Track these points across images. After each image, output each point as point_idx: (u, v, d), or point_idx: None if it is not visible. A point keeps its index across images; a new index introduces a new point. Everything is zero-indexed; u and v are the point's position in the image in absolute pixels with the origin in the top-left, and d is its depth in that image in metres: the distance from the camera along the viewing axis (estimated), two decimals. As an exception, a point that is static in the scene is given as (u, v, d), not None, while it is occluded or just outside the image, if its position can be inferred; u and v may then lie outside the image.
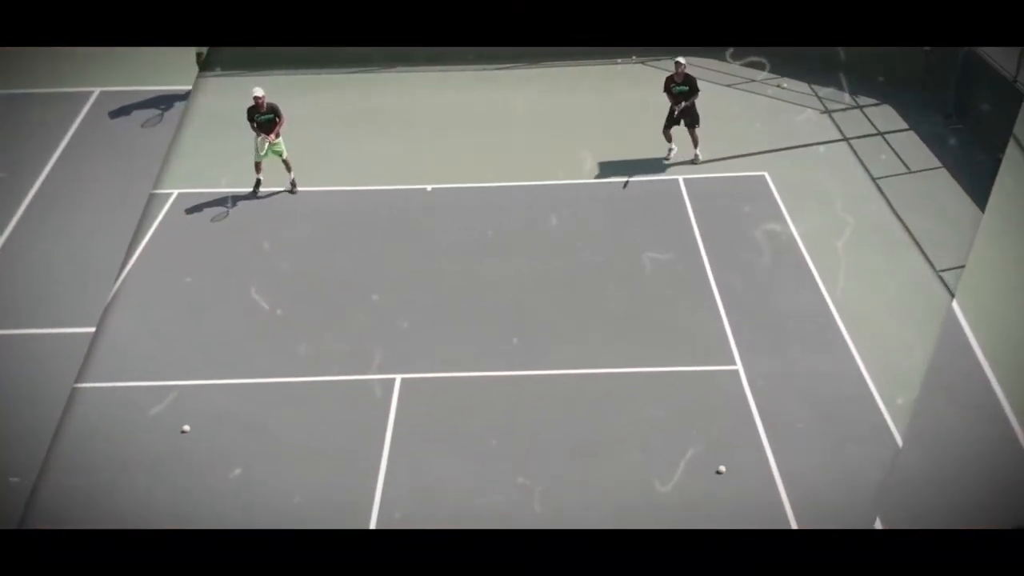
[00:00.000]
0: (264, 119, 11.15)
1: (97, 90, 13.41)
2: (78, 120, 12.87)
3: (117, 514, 7.29)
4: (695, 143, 11.91)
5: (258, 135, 11.20)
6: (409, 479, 7.68)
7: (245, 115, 11.25)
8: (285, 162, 11.49)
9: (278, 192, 11.70)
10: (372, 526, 7.16)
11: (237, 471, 7.73)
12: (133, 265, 10.39)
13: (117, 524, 7.13)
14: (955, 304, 8.63)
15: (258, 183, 11.48)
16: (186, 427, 8.14)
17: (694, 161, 11.97)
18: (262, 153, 11.28)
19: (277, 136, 11.23)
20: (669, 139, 11.95)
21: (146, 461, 7.84)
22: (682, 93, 11.58)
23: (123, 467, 7.77)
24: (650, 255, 10.46)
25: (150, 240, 10.83)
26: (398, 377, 8.69)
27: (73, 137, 12.51)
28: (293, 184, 11.62)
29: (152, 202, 11.44)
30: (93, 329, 9.17)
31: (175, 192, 11.60)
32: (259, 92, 11.11)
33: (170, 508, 7.36)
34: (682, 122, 11.73)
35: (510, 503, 7.41)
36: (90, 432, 8.13)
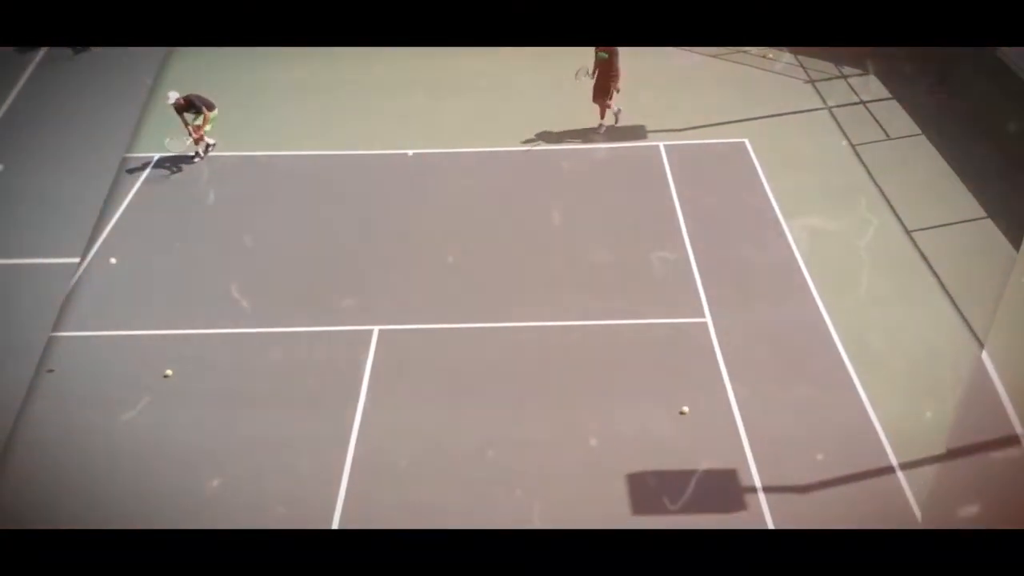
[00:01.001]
0: (192, 113, 12.13)
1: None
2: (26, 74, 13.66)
3: (99, 464, 8.00)
4: (602, 115, 12.71)
5: (188, 131, 12.17)
6: (383, 425, 8.40)
7: (193, 102, 12.07)
8: (197, 130, 12.16)
9: (260, 155, 12.55)
10: (347, 469, 7.88)
11: (215, 416, 8.48)
12: (115, 223, 11.21)
13: (97, 475, 7.87)
14: (984, 355, 8.90)
15: (207, 147, 12.45)
16: (168, 371, 8.92)
17: (597, 130, 12.77)
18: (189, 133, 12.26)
19: (201, 131, 12.15)
20: (608, 106, 12.73)
21: (129, 404, 8.57)
22: (602, 60, 12.36)
23: (105, 410, 8.50)
24: (627, 215, 11.28)
25: (131, 200, 11.65)
26: (375, 328, 9.50)
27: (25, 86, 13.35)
28: (198, 154, 12.38)
29: (130, 165, 12.28)
30: (68, 260, 9.98)
31: (155, 155, 12.46)
32: (173, 98, 11.99)
33: (152, 451, 8.10)
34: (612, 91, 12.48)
35: (481, 448, 8.17)
36: (71, 378, 8.89)
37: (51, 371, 8.80)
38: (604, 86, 12.53)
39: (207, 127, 12.26)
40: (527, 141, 12.77)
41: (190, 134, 12.26)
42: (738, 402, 8.54)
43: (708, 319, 9.59)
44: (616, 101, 12.74)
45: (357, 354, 9.15)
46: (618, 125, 12.90)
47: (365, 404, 8.58)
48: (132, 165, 12.35)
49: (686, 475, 7.81)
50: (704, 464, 7.93)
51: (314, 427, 8.39)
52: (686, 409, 8.45)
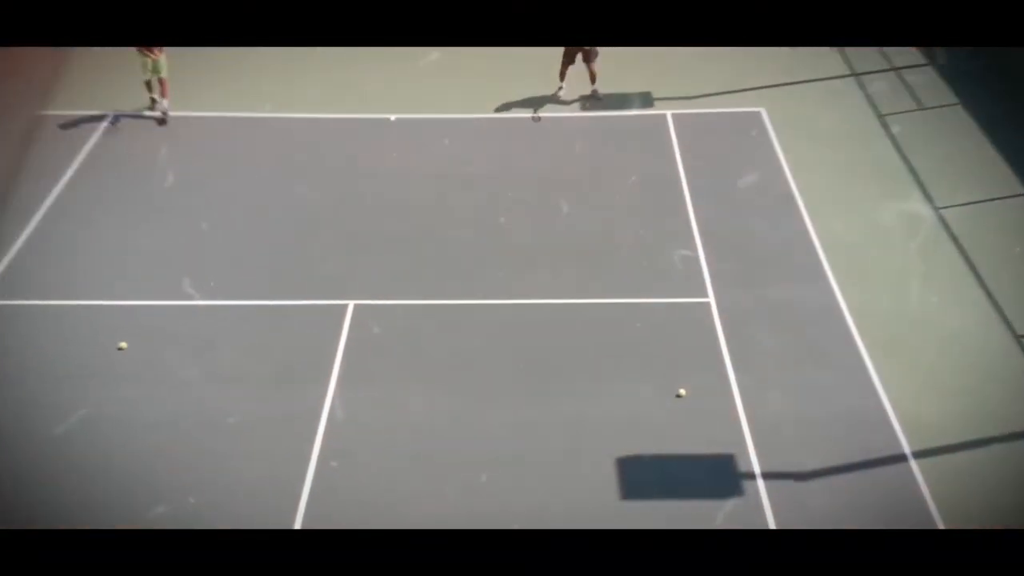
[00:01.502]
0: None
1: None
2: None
3: (42, 448, 8.22)
4: (593, 78, 13.14)
5: (141, 55, 12.56)
6: (356, 409, 8.63)
7: None
8: (161, 82, 12.67)
9: (227, 116, 12.87)
10: (313, 458, 8.13)
11: (172, 394, 8.75)
12: (65, 183, 11.49)
13: (44, 458, 8.10)
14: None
15: (153, 101, 12.88)
16: (123, 344, 9.26)
17: (593, 96, 13.20)
18: (148, 72, 12.69)
19: (160, 53, 12.52)
20: (563, 76, 13.14)
21: (78, 379, 8.88)
22: None
23: (52, 384, 8.78)
24: (627, 187, 11.63)
25: (83, 160, 11.96)
26: (351, 303, 9.82)
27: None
28: (164, 114, 12.78)
29: (73, 121, 12.61)
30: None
31: (110, 114, 12.83)
32: None
33: (103, 432, 8.37)
34: (578, 57, 12.95)
35: (463, 433, 8.43)
36: (12, 351, 9.17)
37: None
38: (573, 51, 12.95)
39: (163, 69, 12.64)
40: (519, 108, 13.15)
41: (146, 55, 12.53)
42: (739, 386, 8.84)
43: (711, 299, 9.90)
44: (598, 69, 13.16)
45: (329, 330, 9.45)
46: (600, 98, 13.32)
47: (336, 385, 8.87)
48: (81, 121, 12.62)
49: (680, 461, 8.13)
50: (700, 450, 8.23)
51: (279, 409, 8.64)
52: (683, 392, 8.77)
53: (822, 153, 12.16)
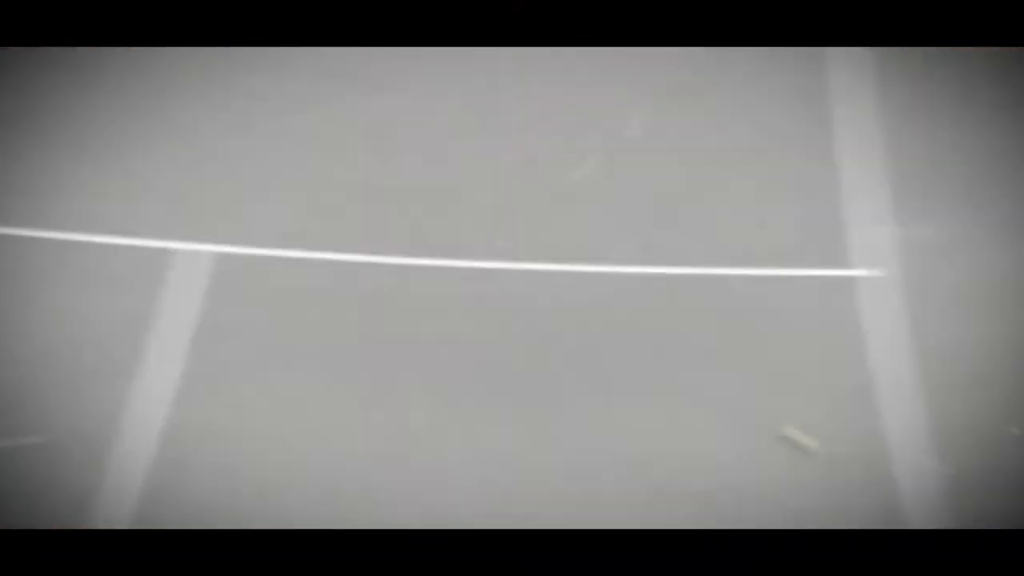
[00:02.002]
0: None
1: None
2: None
3: None
4: None
5: None
6: (205, 402, 7.46)
7: None
8: None
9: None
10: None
11: None
12: None
13: None
14: None
15: None
16: None
17: None
18: None
19: None
20: None
21: None
22: None
23: None
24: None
25: None
26: (209, 248, 8.56)
27: None
28: None
29: None
30: None
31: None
32: None
33: None
34: None
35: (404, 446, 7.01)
36: None
37: None
38: None
39: None
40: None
41: None
42: (938, 430, 6.68)
43: (888, 271, 8.06)
44: None
45: (169, 285, 8.07)
46: None
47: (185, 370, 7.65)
48: None
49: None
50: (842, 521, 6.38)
51: (75, 403, 7.42)
52: (805, 439, 6.56)
53: None
